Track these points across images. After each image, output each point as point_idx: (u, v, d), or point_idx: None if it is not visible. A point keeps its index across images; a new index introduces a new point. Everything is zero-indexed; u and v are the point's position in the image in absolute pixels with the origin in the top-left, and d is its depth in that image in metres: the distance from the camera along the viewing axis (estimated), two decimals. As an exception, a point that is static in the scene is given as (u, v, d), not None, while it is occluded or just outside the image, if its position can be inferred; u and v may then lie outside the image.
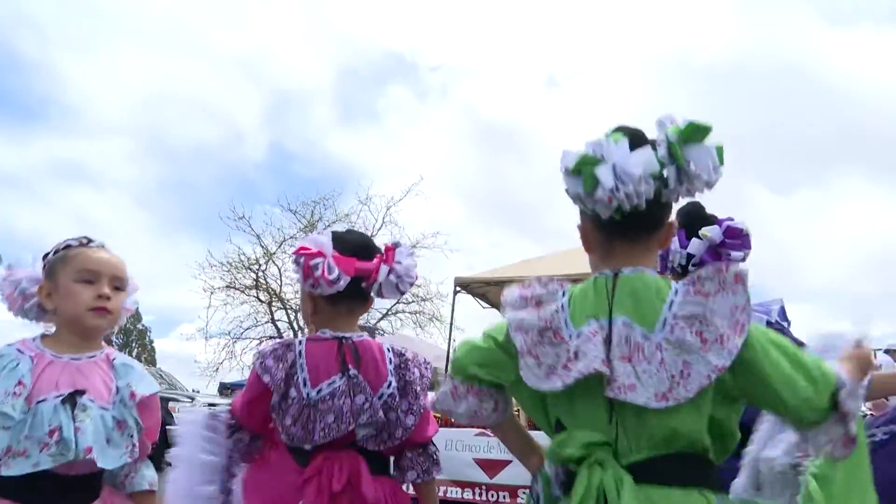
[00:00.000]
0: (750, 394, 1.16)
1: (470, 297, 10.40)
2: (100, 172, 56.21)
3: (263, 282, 24.21)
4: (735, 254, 2.02)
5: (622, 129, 1.25)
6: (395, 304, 25.02)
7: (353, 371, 1.72)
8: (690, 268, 1.96)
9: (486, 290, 10.26)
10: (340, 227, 25.26)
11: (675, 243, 2.00)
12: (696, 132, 1.22)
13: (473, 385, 1.35)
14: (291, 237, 24.51)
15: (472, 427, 8.41)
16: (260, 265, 24.02)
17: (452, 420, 8.63)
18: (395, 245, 1.82)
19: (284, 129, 40.73)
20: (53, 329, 1.77)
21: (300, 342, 1.77)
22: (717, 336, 1.11)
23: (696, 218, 2.04)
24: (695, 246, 1.99)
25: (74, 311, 1.71)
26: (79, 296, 1.70)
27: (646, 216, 1.24)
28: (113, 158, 54.52)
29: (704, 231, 1.97)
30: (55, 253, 1.79)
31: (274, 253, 24.16)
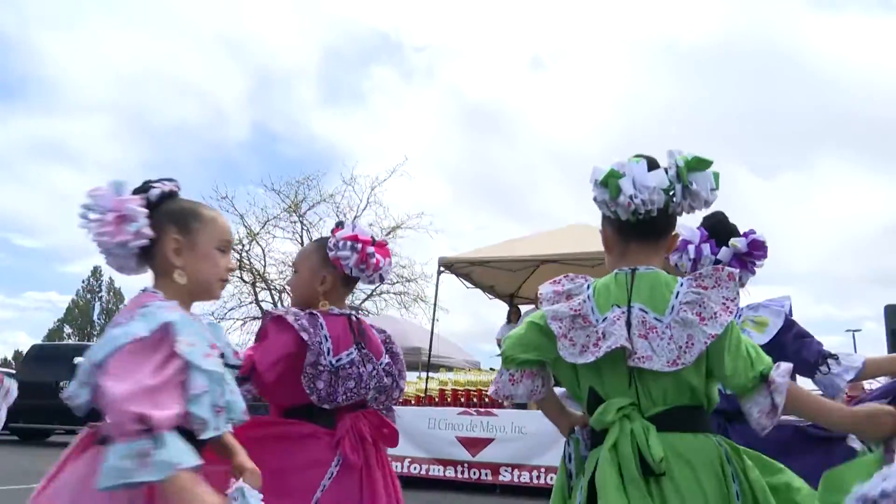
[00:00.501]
0: (714, 364, 1.48)
1: (454, 277, 10.42)
2: (80, 152, 55.50)
3: (247, 262, 24.06)
4: (759, 262, 2.33)
5: (641, 156, 1.59)
6: (379, 285, 24.96)
7: (362, 344, 2.08)
8: None
9: (470, 270, 10.28)
10: (325, 208, 25.10)
11: (706, 249, 2.32)
12: (699, 163, 1.55)
13: (525, 369, 1.62)
14: (275, 217, 24.39)
15: (455, 408, 8.47)
16: (243, 245, 23.86)
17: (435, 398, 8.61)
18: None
19: (268, 109, 40.41)
20: (155, 284, 1.58)
21: (319, 314, 2.03)
22: (712, 314, 1.44)
23: (722, 228, 2.37)
24: (724, 254, 2.31)
25: (208, 278, 1.60)
26: (217, 264, 1.61)
27: (656, 223, 1.57)
28: (93, 138, 53.84)
29: (734, 242, 2.28)
30: (177, 204, 1.65)
31: (257, 233, 24.02)
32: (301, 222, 24.86)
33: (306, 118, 41.33)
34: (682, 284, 1.51)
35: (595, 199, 1.61)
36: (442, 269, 9.98)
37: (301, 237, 24.92)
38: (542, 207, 45.49)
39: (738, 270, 1.68)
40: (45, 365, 12.17)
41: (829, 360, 2.09)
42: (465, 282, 10.66)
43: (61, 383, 11.74)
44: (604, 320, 1.51)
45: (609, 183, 1.55)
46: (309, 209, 24.86)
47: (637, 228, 1.58)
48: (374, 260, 2.09)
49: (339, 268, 2.11)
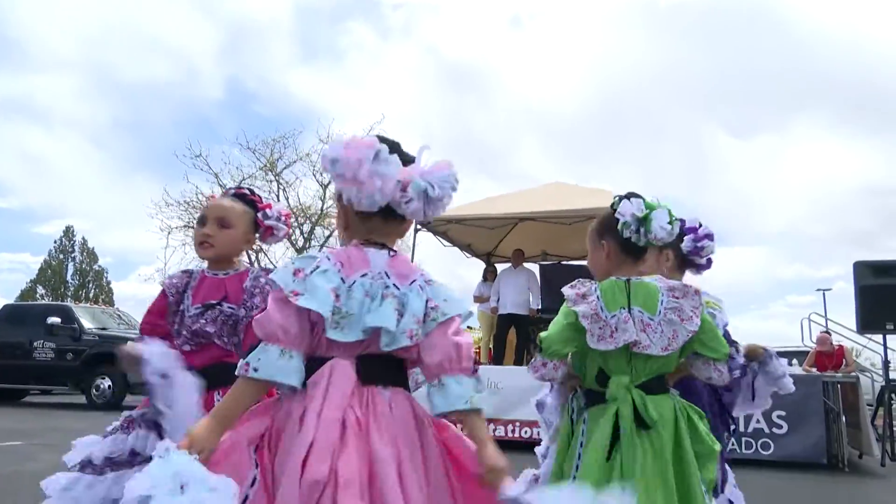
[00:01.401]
0: (699, 344, 2.07)
1: (431, 235, 10.40)
2: (48, 110, 54.07)
3: (222, 221, 23.82)
4: (708, 244, 2.73)
5: (661, 204, 2.17)
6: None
7: (224, 299, 2.20)
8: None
9: (447, 227, 10.26)
10: (301, 167, 24.78)
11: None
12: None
13: (564, 358, 2.09)
14: (250, 176, 24.10)
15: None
16: (218, 205, 23.63)
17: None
18: None
19: (241, 67, 39.52)
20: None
21: (200, 273, 2.22)
22: (688, 316, 2.05)
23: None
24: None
25: None
26: None
27: (646, 249, 2.21)
28: (61, 96, 52.38)
29: (684, 245, 2.71)
30: None
31: (233, 192, 23.77)
32: (277, 181, 24.61)
33: (281, 76, 40.57)
34: (662, 294, 2.10)
35: (626, 224, 2.13)
36: (419, 226, 9.95)
37: (278, 196, 24.67)
38: (520, 167, 45.38)
39: (699, 288, 2.15)
40: (18, 325, 12.02)
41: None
42: (442, 240, 10.65)
43: (34, 343, 11.66)
44: (613, 317, 2.04)
45: (647, 219, 2.12)
46: (285, 168, 24.62)
47: (636, 251, 2.18)
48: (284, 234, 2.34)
49: (264, 234, 2.30)
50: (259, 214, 2.28)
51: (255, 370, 1.43)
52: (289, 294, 1.47)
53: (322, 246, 25.00)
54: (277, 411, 1.51)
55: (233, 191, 2.33)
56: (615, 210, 2.16)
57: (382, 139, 1.63)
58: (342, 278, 1.53)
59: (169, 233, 22.29)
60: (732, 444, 6.92)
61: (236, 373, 1.46)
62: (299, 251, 23.88)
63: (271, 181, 24.52)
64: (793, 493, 5.38)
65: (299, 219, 24.85)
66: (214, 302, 2.12)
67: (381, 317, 1.50)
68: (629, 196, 2.16)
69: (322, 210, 24.87)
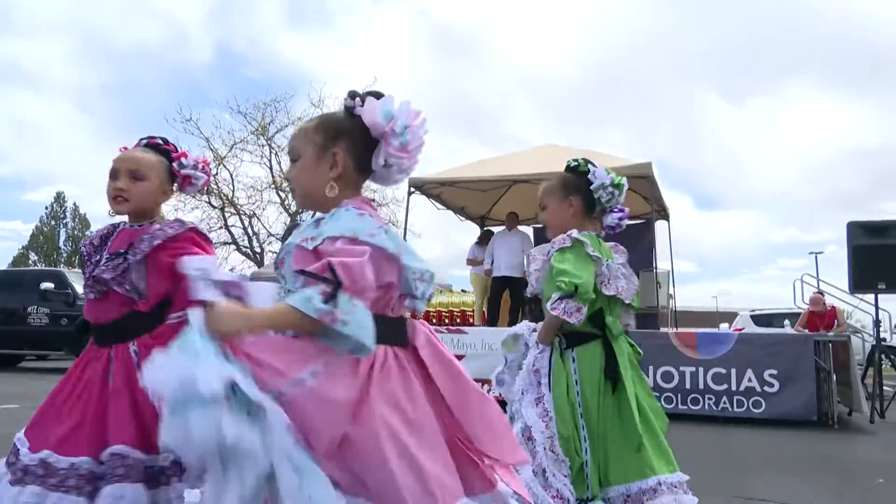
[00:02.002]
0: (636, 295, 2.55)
1: (425, 198, 10.34)
2: (37, 74, 53.22)
3: (215, 187, 23.64)
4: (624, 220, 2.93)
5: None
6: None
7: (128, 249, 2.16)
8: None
9: (440, 190, 10.21)
10: (293, 131, 24.50)
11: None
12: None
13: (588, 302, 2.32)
14: (242, 141, 23.87)
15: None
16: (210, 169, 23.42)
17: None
18: None
19: (231, 30, 38.88)
20: None
21: (122, 227, 2.19)
22: (631, 272, 2.51)
23: None
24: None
25: None
26: None
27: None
28: (50, 60, 51.58)
29: (609, 220, 2.87)
30: None
31: (224, 157, 23.54)
32: (269, 146, 24.40)
33: (271, 39, 39.94)
34: (612, 251, 2.50)
35: (602, 187, 2.43)
36: (412, 189, 9.89)
37: (269, 161, 24.49)
38: (512, 131, 45.15)
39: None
40: (11, 291, 11.99)
41: None
42: (435, 203, 10.59)
43: (28, 309, 11.64)
44: (605, 264, 2.39)
45: (619, 184, 2.45)
46: (277, 132, 24.37)
47: (593, 211, 2.49)
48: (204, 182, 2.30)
49: (182, 184, 2.25)
50: (174, 164, 2.21)
51: (345, 323, 1.30)
52: (392, 253, 1.41)
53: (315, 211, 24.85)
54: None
55: (145, 140, 2.23)
56: (585, 173, 2.46)
57: (376, 94, 1.56)
58: None
59: (161, 198, 22.15)
60: (724, 402, 7.01)
61: (316, 315, 1.29)
62: (293, 216, 23.79)
63: (263, 145, 24.31)
64: (784, 450, 5.46)
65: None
66: (122, 251, 2.07)
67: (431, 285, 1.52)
68: (589, 163, 2.47)
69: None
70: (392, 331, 1.44)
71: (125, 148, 2.23)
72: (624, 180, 2.47)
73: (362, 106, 1.52)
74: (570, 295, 2.27)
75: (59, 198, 52.81)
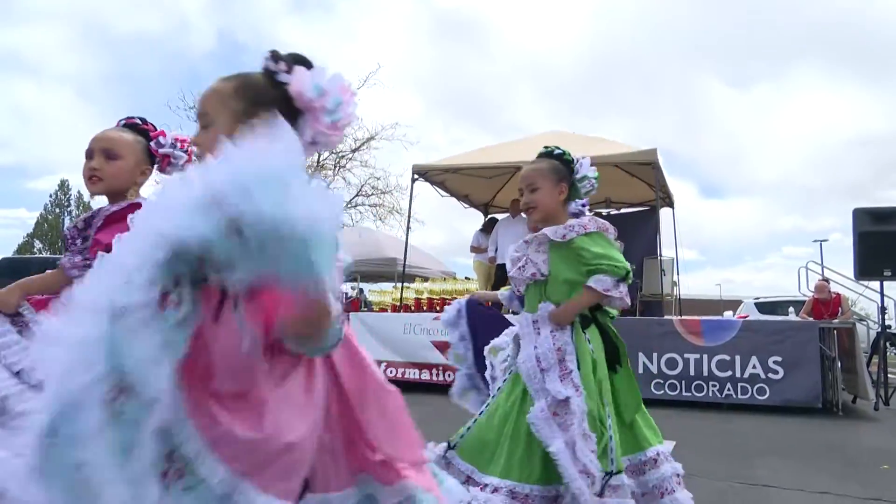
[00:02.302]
0: None
1: (428, 185, 10.32)
2: (38, 63, 53.06)
3: (218, 174, 23.61)
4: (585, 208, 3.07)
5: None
6: (354, 197, 24.80)
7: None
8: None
9: (444, 177, 10.18)
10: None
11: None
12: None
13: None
14: (246, 128, 23.79)
15: (430, 313, 8.57)
16: (214, 157, 23.38)
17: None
18: None
19: (232, 18, 38.66)
20: None
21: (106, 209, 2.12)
22: None
23: None
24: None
25: None
26: None
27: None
28: (51, 48, 51.42)
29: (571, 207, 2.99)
30: None
31: (228, 144, 23.50)
32: (272, 133, 24.33)
33: (273, 27, 39.70)
34: None
35: (586, 178, 2.54)
36: (416, 176, 9.87)
37: (273, 148, 24.42)
38: (515, 119, 45.00)
39: None
40: (18, 278, 11.97)
41: None
42: (439, 190, 10.57)
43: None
44: None
45: (598, 177, 2.56)
46: (280, 120, 24.30)
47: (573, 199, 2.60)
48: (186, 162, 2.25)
49: (162, 164, 2.21)
50: (152, 143, 2.18)
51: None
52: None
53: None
54: None
55: (123, 121, 2.20)
56: (570, 161, 2.54)
57: (304, 61, 1.38)
58: None
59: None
60: (728, 389, 7.00)
61: None
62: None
63: (267, 133, 24.25)
64: (788, 437, 5.46)
65: (296, 171, 24.61)
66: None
67: None
68: (566, 153, 2.55)
69: (318, 162, 24.65)
70: None
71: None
72: (597, 174, 2.59)
73: (289, 73, 1.35)
74: (622, 278, 2.37)
75: (63, 186, 52.92)
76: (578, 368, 2.31)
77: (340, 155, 24.78)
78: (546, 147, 2.62)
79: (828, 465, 4.30)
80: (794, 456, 4.60)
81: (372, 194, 24.72)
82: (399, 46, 40.87)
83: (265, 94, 1.35)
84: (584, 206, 3.02)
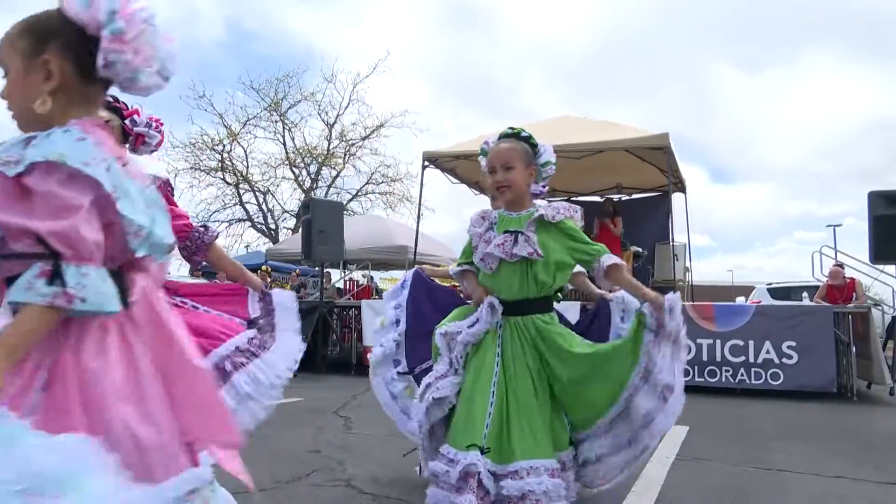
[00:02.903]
0: None
1: (439, 172, 10.29)
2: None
3: (229, 163, 23.69)
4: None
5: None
6: (364, 185, 24.80)
7: None
8: None
9: (454, 164, 10.14)
10: (306, 107, 24.42)
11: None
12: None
13: None
14: (255, 117, 23.83)
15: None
16: (224, 146, 23.42)
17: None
18: None
19: (240, 6, 38.50)
20: None
21: None
22: None
23: None
24: None
25: None
26: None
27: None
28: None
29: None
30: None
31: (238, 133, 23.54)
32: (283, 122, 24.34)
33: (281, 15, 39.50)
34: None
35: (549, 163, 2.55)
36: (426, 163, 9.84)
37: (283, 137, 24.45)
38: (525, 104, 44.68)
39: None
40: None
41: None
42: (450, 177, 10.54)
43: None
44: None
45: (556, 162, 2.59)
46: (290, 108, 24.30)
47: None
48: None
49: (135, 143, 2.19)
50: (126, 122, 2.13)
51: (83, 301, 1.13)
52: (107, 192, 1.18)
53: (329, 187, 24.91)
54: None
55: None
56: (535, 146, 2.53)
57: None
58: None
59: (175, 175, 22.20)
60: (742, 374, 6.97)
61: (43, 301, 1.11)
62: (307, 192, 23.80)
63: (276, 121, 24.25)
64: (802, 422, 5.43)
65: (305, 159, 24.67)
66: None
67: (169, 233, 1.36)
68: (531, 136, 2.55)
69: (328, 150, 24.66)
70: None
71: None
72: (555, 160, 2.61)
73: None
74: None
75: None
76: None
77: (350, 143, 24.77)
78: (512, 128, 2.58)
79: (843, 450, 4.27)
80: (809, 441, 4.57)
81: (382, 182, 24.73)
82: (407, 32, 40.62)
83: (51, 28, 1.27)
84: (544, 187, 3.07)
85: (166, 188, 2.10)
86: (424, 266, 3.38)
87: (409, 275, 3.26)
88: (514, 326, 2.36)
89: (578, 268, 2.67)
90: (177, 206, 2.12)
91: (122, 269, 1.28)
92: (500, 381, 2.29)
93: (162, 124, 2.24)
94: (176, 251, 1.96)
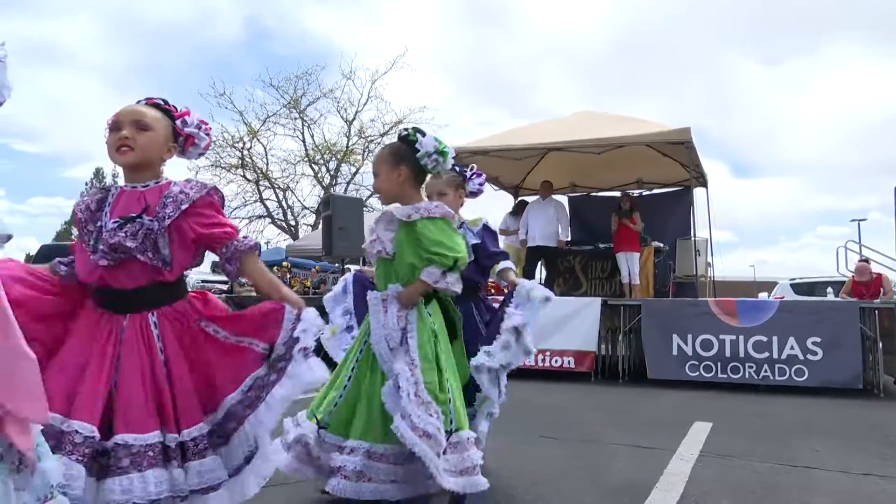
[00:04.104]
0: None
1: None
2: (70, 54, 53.83)
3: (249, 160, 23.83)
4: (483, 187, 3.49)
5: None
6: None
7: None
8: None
9: (474, 159, 10.10)
10: (325, 104, 24.51)
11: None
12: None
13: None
14: (275, 114, 23.95)
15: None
16: (244, 143, 23.57)
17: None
18: None
19: (258, 5, 38.65)
20: None
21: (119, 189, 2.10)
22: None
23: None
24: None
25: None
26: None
27: (425, 177, 2.72)
28: (82, 39, 52.10)
29: (470, 185, 3.43)
30: None
31: (258, 131, 23.67)
32: (302, 119, 24.44)
33: (299, 13, 39.64)
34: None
35: (427, 154, 2.55)
36: (446, 160, 9.82)
37: (302, 134, 24.56)
38: (543, 102, 44.50)
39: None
40: (55, 264, 12.23)
41: None
42: (469, 173, 10.52)
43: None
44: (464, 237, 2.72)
45: (444, 151, 2.56)
46: (309, 105, 24.40)
47: (422, 178, 2.66)
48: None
49: (185, 144, 2.14)
50: (177, 122, 2.11)
51: None
52: None
53: (348, 184, 24.97)
54: None
55: (143, 101, 2.12)
56: (413, 142, 2.56)
57: None
58: None
59: (196, 172, 22.39)
60: (765, 370, 6.89)
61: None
62: (326, 189, 23.88)
63: (296, 118, 24.37)
64: (828, 419, 5.36)
65: (325, 156, 24.75)
66: (134, 215, 1.94)
67: None
68: (418, 131, 2.59)
69: (347, 147, 24.73)
70: None
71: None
72: (448, 148, 2.59)
73: None
74: (451, 268, 2.49)
75: (98, 174, 53.86)
76: (418, 344, 2.46)
77: (369, 139, 24.81)
78: (400, 130, 2.72)
79: (870, 447, 4.21)
80: (836, 438, 4.51)
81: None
82: (425, 30, 40.64)
83: None
84: (480, 183, 3.39)
85: (214, 196, 2.03)
86: (365, 269, 3.38)
87: (349, 278, 3.25)
88: None
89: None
90: (223, 215, 2.05)
91: None
92: (360, 367, 2.53)
93: (210, 128, 2.23)
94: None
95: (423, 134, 2.60)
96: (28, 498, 1.34)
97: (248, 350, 2.02)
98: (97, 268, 1.93)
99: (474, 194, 3.43)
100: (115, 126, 2.02)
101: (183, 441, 1.88)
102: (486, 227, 3.34)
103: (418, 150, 2.56)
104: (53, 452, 1.60)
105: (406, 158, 2.58)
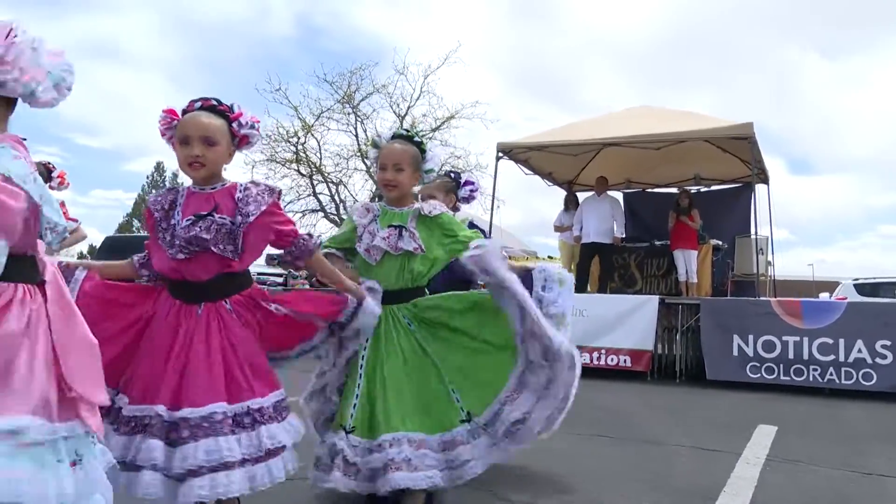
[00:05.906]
0: None
1: (512, 163, 10.21)
2: (130, 50, 55.34)
3: (303, 155, 24.16)
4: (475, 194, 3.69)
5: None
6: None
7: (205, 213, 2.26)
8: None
9: (528, 155, 10.04)
10: (378, 99, 24.67)
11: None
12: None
13: None
14: (329, 109, 24.21)
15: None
16: (299, 138, 23.90)
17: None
18: None
19: (307, 3, 39.04)
20: None
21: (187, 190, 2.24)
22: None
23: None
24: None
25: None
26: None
27: None
28: (141, 36, 53.59)
29: (462, 192, 3.63)
30: None
31: (312, 126, 23.96)
32: (355, 114, 24.65)
33: (351, 9, 39.91)
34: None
35: (431, 169, 2.70)
36: (500, 154, 9.77)
37: (355, 129, 24.78)
38: (590, 97, 44.01)
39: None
40: (119, 255, 12.59)
41: None
42: (523, 168, 10.43)
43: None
44: None
45: (437, 171, 2.75)
46: (362, 100, 24.57)
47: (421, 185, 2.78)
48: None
49: (240, 143, 2.26)
50: (234, 125, 2.22)
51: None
52: (35, 201, 1.49)
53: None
54: None
55: (199, 103, 2.22)
56: (424, 152, 2.68)
57: None
58: None
59: (253, 166, 22.78)
60: (831, 374, 6.67)
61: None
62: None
63: (349, 113, 24.57)
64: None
65: (377, 151, 24.88)
66: (205, 213, 2.12)
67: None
68: (423, 143, 2.71)
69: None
70: (26, 269, 1.55)
71: (171, 111, 2.25)
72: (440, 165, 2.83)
73: None
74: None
75: (159, 167, 55.49)
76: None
77: (422, 135, 24.89)
78: (407, 131, 2.78)
79: (948, 456, 4.03)
80: (909, 445, 4.34)
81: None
82: (474, 25, 40.54)
83: None
84: (472, 191, 3.61)
85: (279, 198, 2.22)
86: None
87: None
88: (390, 313, 2.57)
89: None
90: (283, 213, 2.24)
91: (32, 257, 1.57)
92: (368, 363, 2.53)
93: (258, 121, 2.32)
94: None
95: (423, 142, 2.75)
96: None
97: (311, 326, 2.34)
98: (173, 261, 2.13)
99: (466, 200, 3.63)
100: (184, 140, 2.18)
101: (259, 407, 2.10)
102: (472, 224, 3.30)
103: (426, 161, 2.70)
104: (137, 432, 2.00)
105: (420, 165, 2.69)
